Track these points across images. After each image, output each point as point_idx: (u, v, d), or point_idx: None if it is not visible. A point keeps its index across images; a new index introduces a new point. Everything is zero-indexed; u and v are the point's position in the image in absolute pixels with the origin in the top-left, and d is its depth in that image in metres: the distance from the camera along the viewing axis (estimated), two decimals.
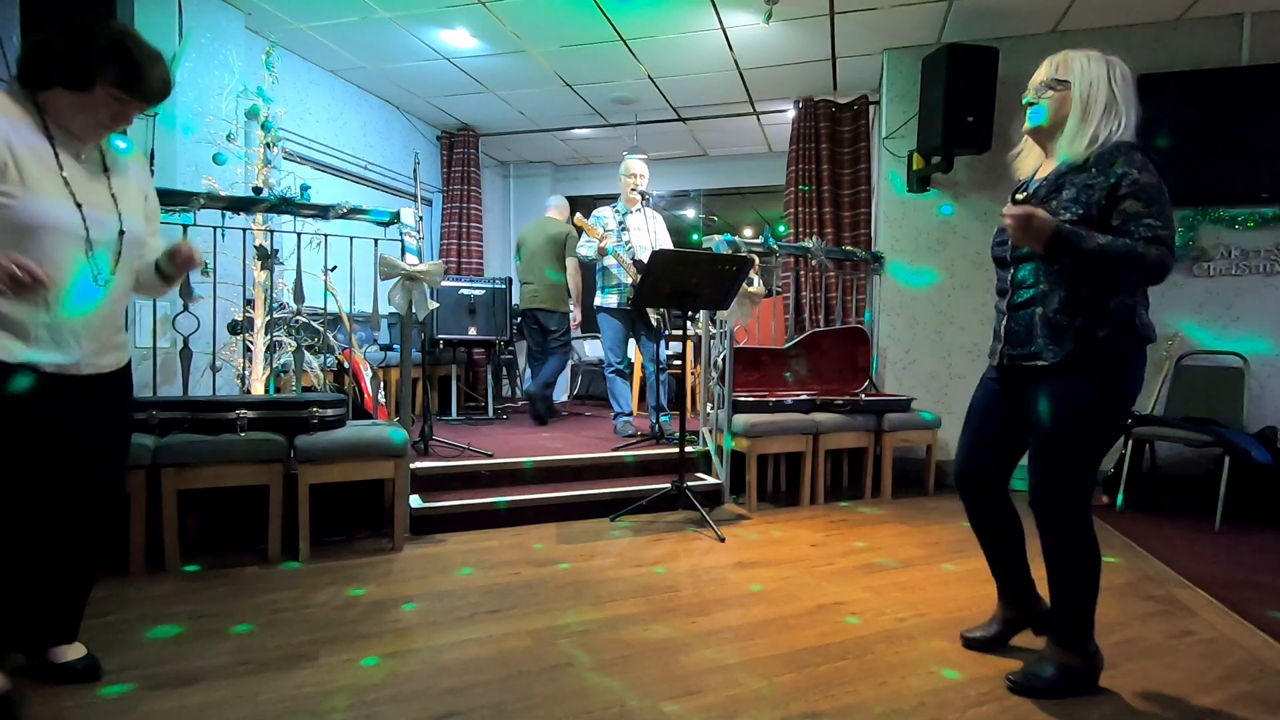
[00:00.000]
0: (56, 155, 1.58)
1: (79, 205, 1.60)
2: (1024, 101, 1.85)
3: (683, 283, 3.20)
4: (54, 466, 1.67)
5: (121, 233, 1.68)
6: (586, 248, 4.46)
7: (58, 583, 1.77)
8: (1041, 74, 1.80)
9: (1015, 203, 1.81)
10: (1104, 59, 1.74)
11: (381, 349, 4.80)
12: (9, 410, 1.54)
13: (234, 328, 3.33)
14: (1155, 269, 1.61)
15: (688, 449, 3.48)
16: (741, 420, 3.67)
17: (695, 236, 8.45)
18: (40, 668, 1.75)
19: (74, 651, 1.78)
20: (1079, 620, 1.79)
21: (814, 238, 4.77)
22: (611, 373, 4.53)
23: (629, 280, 4.32)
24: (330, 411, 2.83)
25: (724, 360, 3.81)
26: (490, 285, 5.17)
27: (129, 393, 1.84)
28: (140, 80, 1.59)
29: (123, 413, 1.83)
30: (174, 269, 1.82)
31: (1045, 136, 1.82)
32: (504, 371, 6.38)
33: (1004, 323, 1.87)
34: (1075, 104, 1.73)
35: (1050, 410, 1.74)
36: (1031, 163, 1.91)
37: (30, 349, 1.55)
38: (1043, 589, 1.89)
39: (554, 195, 5.95)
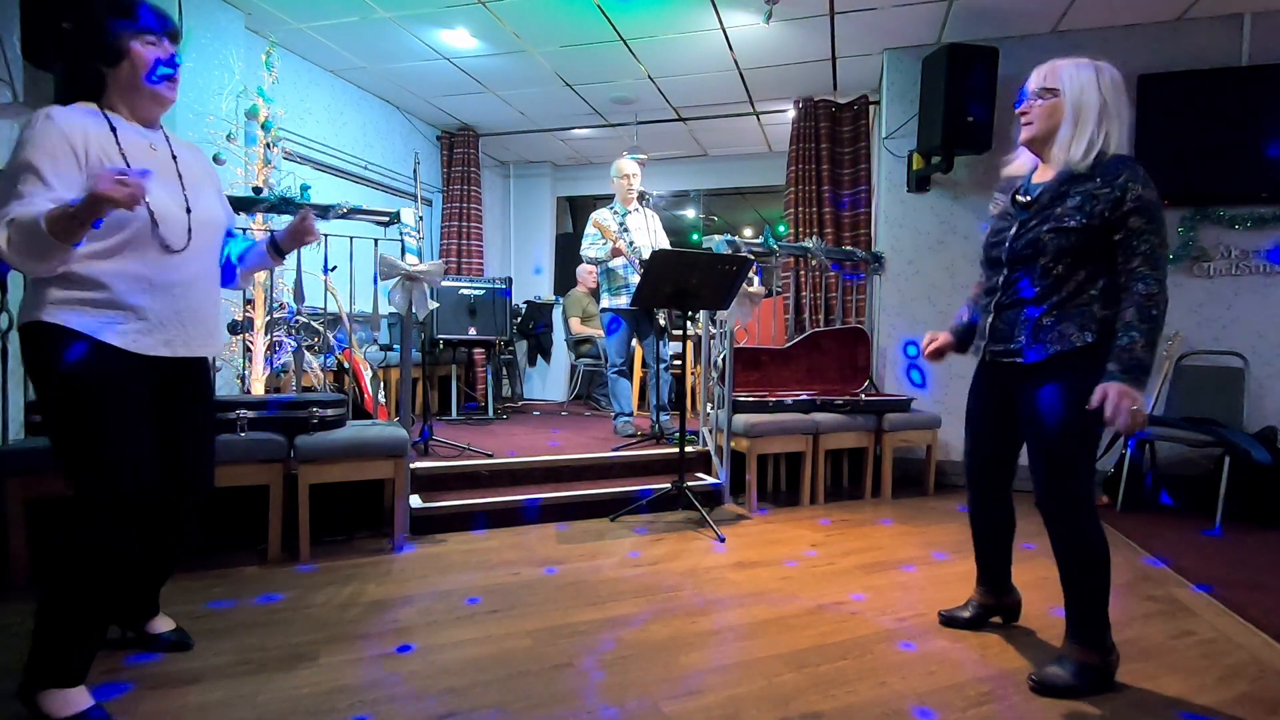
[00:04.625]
0: (121, 149, 1.62)
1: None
2: (1016, 110, 1.88)
3: (683, 283, 3.21)
4: (163, 449, 1.71)
5: (189, 210, 1.72)
6: (599, 250, 4.42)
7: (154, 563, 1.89)
8: (1031, 83, 1.82)
9: (1016, 205, 1.86)
10: (1092, 65, 1.76)
11: (381, 349, 4.80)
12: (120, 390, 1.58)
13: (234, 328, 3.33)
14: (1162, 304, 1.66)
15: (688, 449, 3.48)
16: (741, 420, 3.67)
17: (695, 236, 8.45)
18: (139, 639, 1.94)
19: (165, 624, 1.97)
20: (1094, 616, 1.81)
21: (814, 238, 4.78)
22: (614, 373, 4.53)
23: (637, 279, 4.31)
24: (330, 411, 2.83)
25: (724, 360, 3.82)
26: (490, 285, 5.16)
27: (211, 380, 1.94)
28: (137, 8, 1.63)
29: (213, 397, 1.95)
30: (290, 243, 1.95)
31: (1039, 145, 1.84)
32: (504, 371, 6.38)
33: (989, 321, 1.91)
34: (1066, 112, 1.74)
35: (1041, 410, 1.80)
36: (1027, 161, 1.92)
37: (133, 329, 1.60)
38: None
39: None
